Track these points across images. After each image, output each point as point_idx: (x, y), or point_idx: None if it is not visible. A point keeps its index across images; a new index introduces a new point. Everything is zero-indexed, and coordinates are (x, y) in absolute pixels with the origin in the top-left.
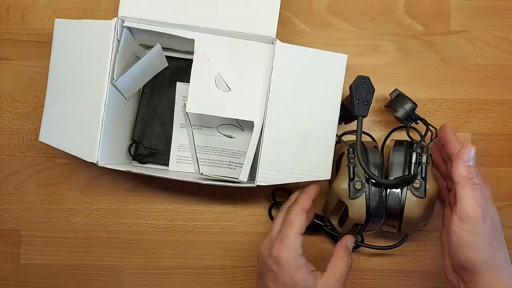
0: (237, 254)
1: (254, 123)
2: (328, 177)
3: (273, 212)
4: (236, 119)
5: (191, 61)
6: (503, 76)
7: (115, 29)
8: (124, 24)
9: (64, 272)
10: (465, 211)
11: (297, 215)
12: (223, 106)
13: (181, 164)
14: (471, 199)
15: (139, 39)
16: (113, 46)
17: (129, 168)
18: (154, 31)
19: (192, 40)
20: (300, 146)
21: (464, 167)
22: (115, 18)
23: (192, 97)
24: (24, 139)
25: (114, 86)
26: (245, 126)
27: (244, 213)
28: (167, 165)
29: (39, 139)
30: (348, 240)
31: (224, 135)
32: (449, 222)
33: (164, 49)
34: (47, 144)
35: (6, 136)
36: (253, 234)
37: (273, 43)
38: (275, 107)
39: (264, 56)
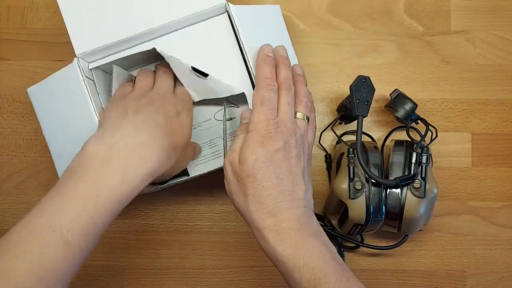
0: (237, 254)
1: (246, 93)
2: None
3: None
4: (228, 100)
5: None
6: (503, 76)
7: (80, 70)
8: (89, 67)
9: None
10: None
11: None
12: (213, 90)
13: (200, 165)
14: (230, 149)
15: (109, 71)
16: (86, 86)
17: (150, 189)
18: (118, 59)
19: (154, 49)
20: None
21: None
22: (75, 59)
23: (189, 89)
24: (24, 139)
25: None
26: (238, 101)
27: None
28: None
29: (59, 176)
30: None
31: (226, 119)
32: None
33: (136, 66)
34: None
35: (6, 136)
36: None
37: (226, 11)
38: None
39: (224, 27)
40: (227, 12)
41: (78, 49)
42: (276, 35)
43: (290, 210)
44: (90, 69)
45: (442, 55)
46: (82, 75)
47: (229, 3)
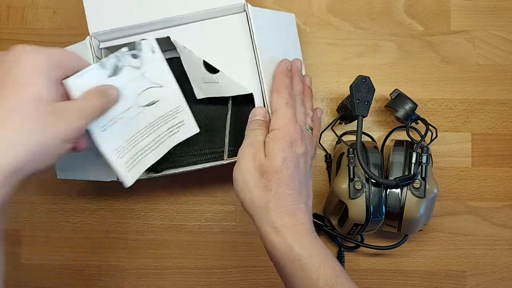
0: (237, 254)
1: (254, 95)
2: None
3: None
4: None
5: (170, 59)
6: (503, 76)
7: (91, 48)
8: (100, 46)
9: (64, 272)
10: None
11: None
12: (220, 89)
13: (134, 168)
14: (248, 142)
15: None
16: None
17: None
18: (129, 42)
19: (167, 38)
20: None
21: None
22: (88, 37)
23: (195, 85)
24: None
25: None
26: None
27: (244, 213)
28: (183, 166)
29: (58, 178)
30: None
31: (147, 105)
32: None
33: None
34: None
35: None
36: (253, 234)
37: (244, 10)
38: (268, 70)
39: (240, 26)
40: (246, 12)
41: (92, 27)
42: (288, 42)
43: (305, 213)
44: (100, 49)
45: (442, 55)
46: (92, 53)
47: (248, 4)
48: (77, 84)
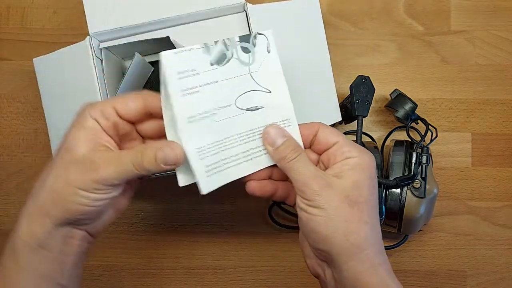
0: (237, 254)
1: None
2: (339, 117)
3: (273, 212)
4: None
5: None
6: (503, 76)
7: (91, 48)
8: (100, 46)
9: None
10: (298, 187)
11: (126, 94)
12: None
13: (215, 175)
14: (298, 174)
15: (119, 54)
16: (95, 65)
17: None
18: (129, 42)
19: (167, 38)
20: (305, 97)
21: (274, 152)
22: (88, 37)
23: None
24: (24, 139)
25: None
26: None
27: (244, 213)
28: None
29: None
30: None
31: (247, 109)
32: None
33: (147, 54)
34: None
35: (6, 136)
36: (253, 234)
37: (244, 10)
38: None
39: (240, 26)
40: (245, 11)
41: (92, 27)
42: (303, 32)
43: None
44: (100, 49)
45: (442, 55)
46: (92, 53)
47: (248, 4)
48: (172, 61)
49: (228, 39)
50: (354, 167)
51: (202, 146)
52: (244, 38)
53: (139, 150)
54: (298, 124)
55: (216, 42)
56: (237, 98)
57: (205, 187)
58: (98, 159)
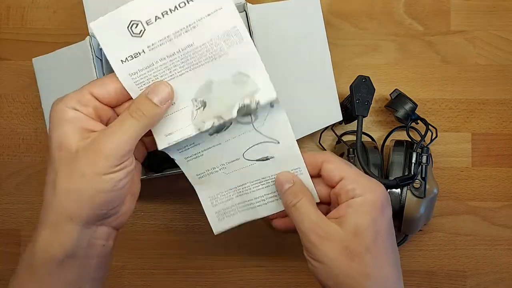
0: (237, 254)
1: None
2: (340, 117)
3: None
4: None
5: None
6: (503, 76)
7: (91, 48)
8: (100, 47)
9: None
10: (300, 236)
11: (103, 77)
12: None
13: (228, 218)
14: (298, 222)
15: None
16: (95, 65)
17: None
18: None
19: None
20: (306, 97)
21: (282, 198)
22: (88, 37)
23: None
24: (24, 139)
25: None
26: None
27: None
28: None
29: None
30: None
31: (258, 160)
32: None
33: None
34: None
35: (6, 136)
36: (253, 234)
37: (244, 10)
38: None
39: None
40: (245, 11)
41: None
42: (305, 31)
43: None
44: (100, 49)
45: (442, 55)
46: (92, 53)
47: (248, 3)
48: (168, 143)
49: (223, 119)
50: (357, 209)
51: (214, 195)
52: (244, 111)
53: (131, 105)
54: (303, 154)
55: (211, 127)
56: (244, 152)
57: (216, 228)
58: (98, 138)
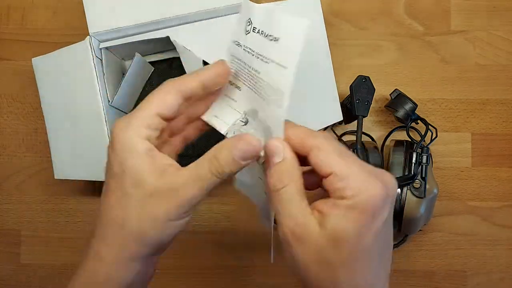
0: (237, 254)
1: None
2: (341, 117)
3: None
4: None
5: (171, 59)
6: (503, 76)
7: (91, 48)
8: (100, 46)
9: (64, 272)
10: (281, 230)
11: (159, 92)
12: None
13: None
14: (277, 212)
15: (119, 54)
16: (95, 65)
17: None
18: (129, 42)
19: (167, 38)
20: (308, 95)
21: (268, 173)
22: (88, 37)
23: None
24: (24, 139)
25: (113, 106)
26: None
27: (244, 213)
28: None
29: (55, 177)
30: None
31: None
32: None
33: (146, 55)
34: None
35: (6, 136)
36: (253, 234)
37: None
38: None
39: None
40: None
41: (92, 27)
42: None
43: None
44: (100, 49)
45: (442, 55)
46: (92, 54)
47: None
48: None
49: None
50: (342, 213)
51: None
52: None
53: (213, 156)
54: (293, 129)
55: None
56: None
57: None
58: (175, 183)
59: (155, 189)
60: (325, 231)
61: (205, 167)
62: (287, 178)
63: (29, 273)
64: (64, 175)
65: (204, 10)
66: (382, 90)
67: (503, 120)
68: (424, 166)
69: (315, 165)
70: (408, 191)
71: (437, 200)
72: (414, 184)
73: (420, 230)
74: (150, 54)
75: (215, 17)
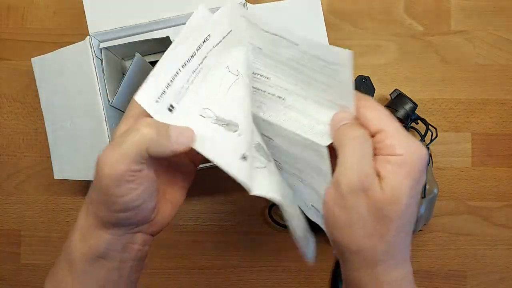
0: (237, 254)
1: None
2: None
3: (273, 212)
4: None
5: None
6: (503, 76)
7: (91, 48)
8: (100, 46)
9: None
10: (337, 171)
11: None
12: None
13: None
14: (349, 160)
15: (119, 54)
16: (95, 65)
17: None
18: (129, 42)
19: (167, 38)
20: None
21: (338, 127)
22: (88, 37)
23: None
24: (24, 139)
25: (113, 106)
26: None
27: (244, 213)
28: None
29: (55, 177)
30: None
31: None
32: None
33: (146, 55)
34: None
35: (6, 136)
36: (253, 234)
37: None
38: None
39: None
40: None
41: (92, 27)
42: (308, 33)
43: (410, 259)
44: (100, 49)
45: (442, 55)
46: (92, 53)
47: (248, 3)
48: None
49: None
50: (396, 169)
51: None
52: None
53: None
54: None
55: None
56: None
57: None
58: (122, 139)
59: (115, 143)
60: (384, 187)
61: (134, 127)
62: (367, 135)
63: (29, 273)
64: (64, 175)
65: None
66: (382, 90)
67: (503, 120)
68: None
69: (366, 122)
70: None
71: (437, 200)
72: None
73: (420, 230)
74: (150, 54)
75: None
